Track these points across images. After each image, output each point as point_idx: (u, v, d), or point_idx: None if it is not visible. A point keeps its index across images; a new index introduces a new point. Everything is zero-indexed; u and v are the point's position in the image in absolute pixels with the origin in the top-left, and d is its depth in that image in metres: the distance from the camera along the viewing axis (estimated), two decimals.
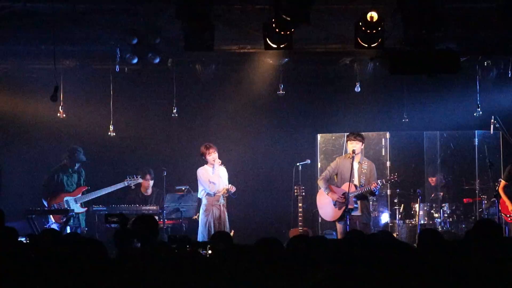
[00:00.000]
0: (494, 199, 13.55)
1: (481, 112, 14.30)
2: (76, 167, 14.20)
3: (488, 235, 6.21)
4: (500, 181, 13.32)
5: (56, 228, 12.71)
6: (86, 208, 13.88)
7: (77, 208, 13.78)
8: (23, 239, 8.14)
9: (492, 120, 13.63)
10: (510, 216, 13.08)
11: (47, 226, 13.12)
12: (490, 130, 13.76)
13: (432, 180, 15.22)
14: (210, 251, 7.34)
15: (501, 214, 13.23)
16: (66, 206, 13.71)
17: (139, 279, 4.93)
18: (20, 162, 14.97)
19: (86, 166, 14.33)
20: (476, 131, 14.93)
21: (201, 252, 7.31)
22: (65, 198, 13.78)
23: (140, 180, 14.27)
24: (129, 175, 14.09)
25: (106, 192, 14.05)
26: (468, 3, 11.61)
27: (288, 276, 5.34)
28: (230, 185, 13.06)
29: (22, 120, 15.17)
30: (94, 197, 13.99)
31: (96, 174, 14.56)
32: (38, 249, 6.43)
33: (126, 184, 14.08)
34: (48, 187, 14.04)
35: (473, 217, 14.35)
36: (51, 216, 13.53)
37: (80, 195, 13.92)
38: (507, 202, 13.09)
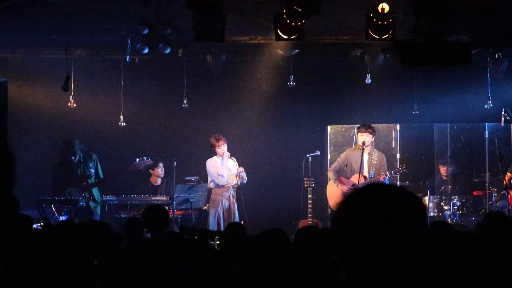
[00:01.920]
0: (504, 192, 13.54)
1: (491, 105, 14.26)
2: (76, 159, 14.08)
3: (498, 227, 6.20)
4: (507, 174, 13.32)
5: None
6: (89, 198, 13.83)
7: (83, 198, 13.75)
8: (37, 225, 8.18)
9: (503, 113, 13.61)
10: None
11: (53, 218, 13.14)
12: (500, 122, 13.74)
13: (444, 169, 15.11)
14: (218, 242, 7.36)
15: (511, 207, 13.23)
16: (69, 197, 13.68)
17: (149, 269, 4.95)
18: (32, 151, 15.00)
19: (97, 157, 14.38)
20: (486, 123, 14.89)
21: (209, 242, 7.33)
22: (68, 190, 13.76)
23: (150, 162, 14.21)
24: (138, 157, 14.09)
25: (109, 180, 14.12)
26: None
27: (294, 266, 5.36)
28: (239, 168, 13.12)
29: (33, 109, 15.21)
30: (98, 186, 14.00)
31: (106, 164, 14.58)
32: (52, 237, 6.46)
33: (136, 166, 14.06)
34: (53, 184, 14.05)
35: (483, 210, 14.32)
36: (53, 208, 13.50)
37: (83, 185, 13.88)
38: None
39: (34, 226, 7.84)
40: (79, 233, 4.27)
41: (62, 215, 13.34)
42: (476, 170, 14.96)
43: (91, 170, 14.08)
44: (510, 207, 13.14)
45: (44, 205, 13.23)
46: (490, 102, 14.27)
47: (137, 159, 14.06)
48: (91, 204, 13.84)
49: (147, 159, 14.16)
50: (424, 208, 2.36)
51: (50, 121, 15.19)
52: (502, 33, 13.04)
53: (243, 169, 13.15)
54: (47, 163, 14.64)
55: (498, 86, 14.69)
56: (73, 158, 14.00)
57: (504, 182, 13.32)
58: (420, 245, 2.26)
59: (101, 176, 14.26)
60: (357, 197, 2.33)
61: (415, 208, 2.32)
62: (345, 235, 2.28)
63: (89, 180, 13.98)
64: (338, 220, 2.32)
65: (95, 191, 14.00)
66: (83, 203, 13.58)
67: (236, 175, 13.09)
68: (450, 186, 14.90)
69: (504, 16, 12.05)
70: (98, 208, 13.99)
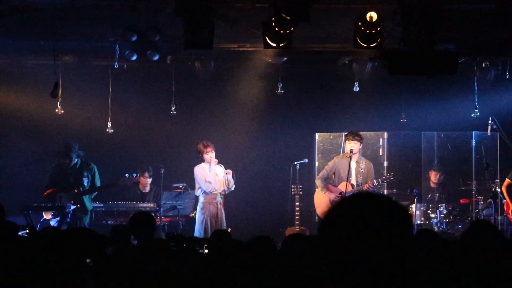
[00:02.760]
0: (491, 200, 13.59)
1: (478, 113, 14.31)
2: (73, 163, 14.01)
3: (484, 235, 6.22)
4: (498, 181, 13.37)
5: (55, 225, 12.69)
6: (77, 205, 13.67)
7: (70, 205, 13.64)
8: (22, 232, 8.15)
9: (490, 121, 13.66)
10: None
11: (41, 221, 13.08)
12: (487, 131, 13.80)
13: (435, 176, 15.07)
14: (206, 250, 7.36)
15: (504, 215, 13.31)
16: (59, 203, 13.59)
17: (136, 276, 4.95)
18: (19, 158, 14.96)
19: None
20: (473, 132, 14.95)
21: (198, 250, 7.33)
22: (59, 194, 13.68)
23: (137, 179, 14.20)
24: (128, 173, 14.02)
25: (98, 190, 14.03)
26: (467, 4, 11.62)
27: (281, 274, 5.36)
28: (227, 170, 13.12)
29: (21, 115, 15.16)
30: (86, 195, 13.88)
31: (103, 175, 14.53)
32: (37, 243, 6.45)
33: (126, 182, 14.02)
34: (47, 186, 13.95)
35: (469, 218, 14.37)
36: (43, 212, 13.43)
37: (74, 192, 13.76)
38: (509, 202, 13.11)
39: (20, 233, 7.80)
40: (63, 240, 4.26)
41: (51, 219, 13.27)
42: (462, 178, 15.00)
43: (84, 178, 13.87)
44: (495, 215, 13.20)
45: (30, 211, 13.15)
46: (477, 110, 14.32)
47: (126, 175, 13.97)
48: (78, 212, 13.62)
49: (135, 175, 14.08)
50: (410, 217, 2.37)
51: (37, 127, 15.14)
52: (489, 42, 13.11)
53: (230, 171, 13.14)
54: (34, 169, 14.60)
55: (485, 95, 14.74)
56: (68, 161, 13.89)
57: (494, 189, 13.39)
58: (407, 254, 2.27)
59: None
60: (343, 206, 2.34)
61: (401, 217, 2.33)
62: (331, 245, 2.29)
63: (80, 188, 13.82)
64: (324, 229, 2.33)
65: (86, 199, 13.82)
66: (70, 210, 13.46)
67: (224, 178, 13.08)
68: (437, 194, 14.93)
69: (491, 26, 12.10)
70: (87, 217, 13.77)
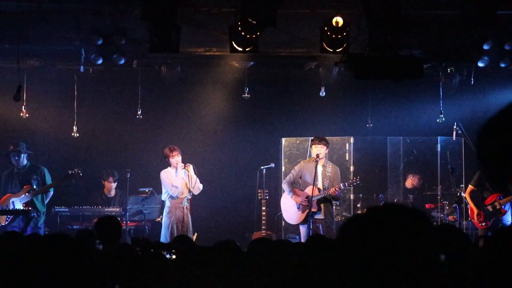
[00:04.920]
0: (456, 205, 13.68)
1: (444, 119, 14.42)
2: (21, 165, 13.78)
3: (449, 239, 6.25)
4: (463, 186, 13.47)
5: (18, 230, 12.50)
6: (28, 208, 13.42)
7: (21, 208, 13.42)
8: None
9: (455, 127, 13.75)
10: (481, 222, 13.18)
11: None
12: (452, 136, 13.90)
13: (414, 179, 15.10)
14: (174, 256, 7.32)
15: (468, 220, 13.40)
16: (12, 207, 13.39)
17: (101, 281, 4.90)
18: None
19: (49, 167, 14.09)
20: (438, 137, 15.04)
21: (165, 254, 7.29)
22: (11, 199, 13.46)
23: (80, 174, 13.83)
24: (70, 169, 13.74)
25: (51, 188, 13.74)
26: (432, 10, 11.72)
27: (246, 278, 5.35)
28: (186, 164, 13.01)
29: None
30: (38, 195, 13.61)
31: (59, 174, 14.37)
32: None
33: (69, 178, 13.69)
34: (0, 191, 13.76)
35: (435, 223, 14.45)
36: None
37: (25, 195, 13.51)
38: (473, 207, 13.20)
39: None
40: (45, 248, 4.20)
41: (7, 225, 13.05)
42: (428, 183, 15.10)
43: (33, 181, 13.61)
44: (460, 220, 13.31)
45: None
46: (442, 116, 14.42)
47: (70, 171, 13.71)
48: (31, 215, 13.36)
49: (78, 171, 13.75)
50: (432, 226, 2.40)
51: (1, 131, 14.98)
52: (454, 48, 13.21)
53: (190, 165, 13.01)
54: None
55: (450, 100, 14.86)
56: (16, 158, 13.62)
57: (459, 194, 13.50)
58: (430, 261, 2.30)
59: (51, 191, 13.88)
60: (371, 217, 2.35)
61: (425, 227, 2.35)
62: (357, 255, 2.29)
63: (30, 190, 13.52)
64: (351, 239, 2.33)
65: (37, 201, 13.58)
66: (35, 213, 13.28)
67: (185, 177, 12.96)
68: (412, 196, 14.94)
69: (456, 31, 12.20)
70: (41, 219, 13.57)
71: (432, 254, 2.30)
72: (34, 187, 13.52)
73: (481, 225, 13.20)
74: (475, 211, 13.20)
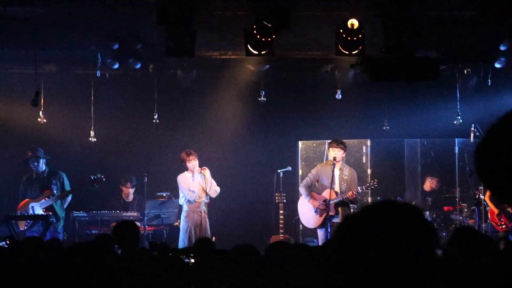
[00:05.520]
0: (474, 207, 13.61)
1: (461, 120, 14.36)
2: (40, 171, 13.83)
3: (467, 243, 6.22)
4: (481, 188, 13.40)
5: (37, 235, 12.53)
6: (48, 213, 13.45)
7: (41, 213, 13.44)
8: (2, 243, 8.08)
9: (472, 128, 13.68)
10: (501, 224, 13.12)
11: (18, 231, 12.92)
12: (470, 138, 13.82)
13: (432, 182, 15.01)
14: (193, 260, 7.32)
15: (488, 223, 13.33)
16: (31, 212, 13.43)
17: (120, 285, 4.90)
18: (1, 167, 14.86)
19: (67, 172, 14.12)
20: (456, 139, 14.97)
21: (183, 259, 7.30)
22: (31, 204, 13.51)
23: (103, 179, 13.84)
24: (93, 175, 13.79)
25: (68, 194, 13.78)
26: (448, 11, 11.66)
27: (265, 282, 5.34)
28: (202, 167, 13.03)
29: (3, 125, 15.07)
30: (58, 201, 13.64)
31: (76, 179, 14.41)
32: (20, 255, 6.39)
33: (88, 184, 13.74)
34: (20, 199, 13.79)
35: (454, 225, 14.38)
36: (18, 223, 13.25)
37: (44, 200, 13.55)
38: (494, 208, 13.12)
39: (0, 244, 7.75)
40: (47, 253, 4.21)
41: (27, 230, 13.10)
42: (446, 185, 15.03)
43: (53, 186, 13.68)
44: (479, 223, 13.23)
45: (13, 221, 13.02)
46: (459, 117, 14.37)
47: (92, 176, 13.75)
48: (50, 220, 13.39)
49: (99, 176, 13.79)
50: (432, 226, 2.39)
51: (19, 136, 15.06)
52: (470, 49, 13.15)
53: (206, 168, 13.04)
54: (16, 179, 14.47)
55: (467, 101, 14.79)
56: (36, 163, 13.67)
57: (477, 196, 13.44)
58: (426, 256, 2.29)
59: (70, 196, 13.93)
60: (368, 214, 2.34)
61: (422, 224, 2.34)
62: (356, 253, 2.28)
63: (50, 196, 13.58)
64: (349, 237, 2.32)
65: (56, 206, 13.64)
66: (54, 219, 13.33)
67: (201, 181, 12.97)
68: (430, 199, 14.87)
69: (473, 32, 12.15)
70: (60, 224, 13.62)
71: (427, 248, 2.29)
72: (55, 192, 13.59)
73: (502, 227, 13.13)
74: (495, 211, 13.13)
